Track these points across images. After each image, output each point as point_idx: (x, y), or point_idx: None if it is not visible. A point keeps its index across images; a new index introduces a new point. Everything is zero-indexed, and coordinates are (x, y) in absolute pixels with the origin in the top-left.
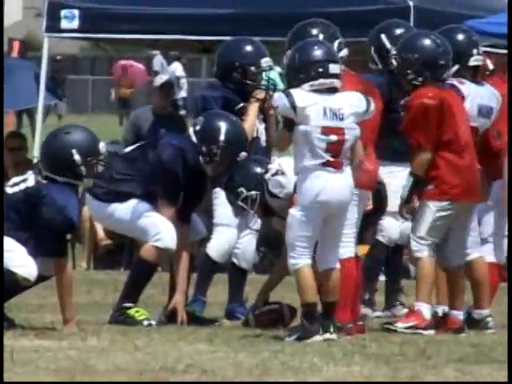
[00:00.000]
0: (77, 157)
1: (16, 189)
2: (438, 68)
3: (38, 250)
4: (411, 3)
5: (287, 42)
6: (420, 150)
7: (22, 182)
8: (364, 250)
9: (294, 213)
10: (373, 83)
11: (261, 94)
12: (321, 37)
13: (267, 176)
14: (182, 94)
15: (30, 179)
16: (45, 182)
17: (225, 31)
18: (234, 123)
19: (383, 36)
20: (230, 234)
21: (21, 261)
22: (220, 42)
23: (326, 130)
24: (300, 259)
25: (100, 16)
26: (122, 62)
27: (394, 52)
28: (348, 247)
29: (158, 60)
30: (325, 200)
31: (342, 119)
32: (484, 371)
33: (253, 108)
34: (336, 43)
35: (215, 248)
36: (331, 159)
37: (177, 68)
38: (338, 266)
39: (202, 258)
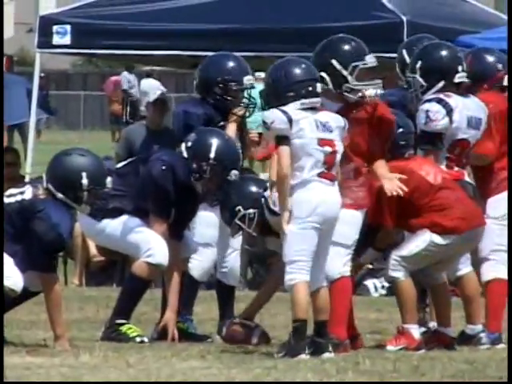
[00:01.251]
0: (85, 181)
1: (12, 199)
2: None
3: (26, 264)
4: (404, 18)
5: (315, 57)
6: None
7: (19, 194)
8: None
9: (292, 228)
10: (395, 97)
11: (241, 112)
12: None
13: (267, 193)
14: None
15: (27, 192)
16: (42, 196)
17: (217, 47)
18: (226, 141)
19: (404, 51)
20: (210, 254)
21: (7, 272)
22: None
23: (322, 142)
24: (298, 274)
25: (92, 31)
26: (114, 77)
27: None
28: (346, 266)
29: (125, 77)
30: (322, 212)
31: (331, 131)
32: None
33: (232, 126)
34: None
35: (196, 267)
36: (326, 171)
37: (150, 84)
38: (325, 284)
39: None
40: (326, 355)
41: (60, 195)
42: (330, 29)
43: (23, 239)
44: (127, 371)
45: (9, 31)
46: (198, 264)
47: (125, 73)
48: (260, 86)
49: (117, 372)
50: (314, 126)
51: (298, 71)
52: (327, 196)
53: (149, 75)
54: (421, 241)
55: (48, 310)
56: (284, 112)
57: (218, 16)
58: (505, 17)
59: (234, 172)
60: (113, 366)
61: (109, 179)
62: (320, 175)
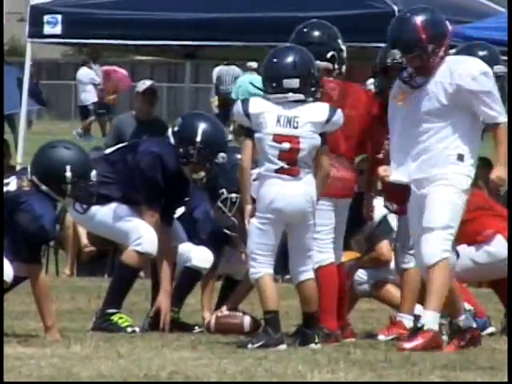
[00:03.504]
0: (68, 174)
1: None
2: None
3: (12, 255)
4: (396, 8)
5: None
6: None
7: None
8: (349, 256)
9: (253, 221)
10: None
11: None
12: (324, 38)
13: (221, 191)
14: (94, 98)
15: (11, 184)
16: (27, 188)
17: (208, 36)
18: (212, 124)
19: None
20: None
21: None
22: (203, 47)
23: (278, 138)
24: (261, 268)
25: (83, 21)
26: (105, 67)
27: None
28: (327, 253)
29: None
30: (278, 207)
31: (296, 127)
32: (469, 378)
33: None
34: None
35: (200, 257)
36: (286, 166)
37: (85, 73)
38: (311, 276)
39: (181, 273)
40: (312, 346)
41: (44, 187)
42: (322, 18)
43: (8, 231)
44: (118, 362)
45: None
46: (202, 254)
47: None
48: (252, 76)
49: (108, 362)
50: (274, 121)
51: (272, 65)
52: (286, 191)
53: (84, 63)
54: None
55: (36, 301)
56: (245, 105)
57: (209, 6)
58: (497, 7)
59: (222, 155)
60: (104, 357)
61: (93, 173)
62: (278, 171)
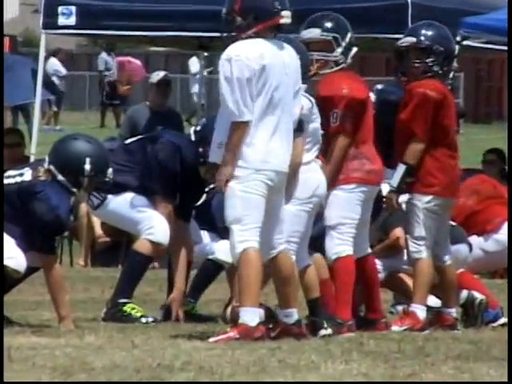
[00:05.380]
0: (87, 166)
1: (11, 180)
2: (452, 65)
3: (27, 245)
4: None
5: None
6: (415, 139)
7: (18, 176)
8: None
9: (289, 207)
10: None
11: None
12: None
13: None
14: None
15: (26, 174)
16: (42, 178)
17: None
18: None
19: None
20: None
21: (10, 253)
22: (217, 38)
23: None
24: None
25: (97, 12)
26: (120, 58)
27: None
28: (346, 245)
29: (102, 59)
30: (321, 194)
31: None
32: (482, 369)
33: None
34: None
35: (224, 249)
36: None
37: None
38: (310, 262)
39: (203, 264)
40: (322, 332)
41: (61, 177)
42: (335, 10)
43: (23, 221)
44: (132, 352)
45: (14, 12)
46: (226, 247)
47: (103, 54)
48: None
49: (121, 352)
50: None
51: None
52: (323, 177)
53: (55, 53)
54: (418, 212)
55: (50, 291)
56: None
57: None
58: None
59: None
60: (118, 347)
61: (110, 170)
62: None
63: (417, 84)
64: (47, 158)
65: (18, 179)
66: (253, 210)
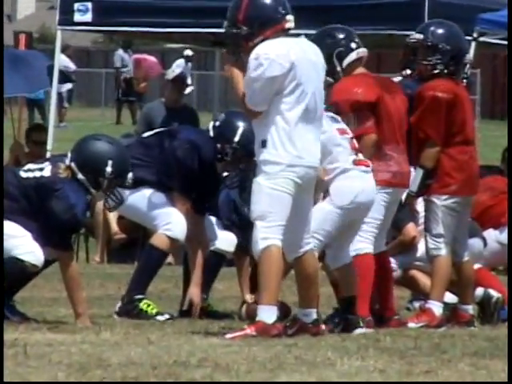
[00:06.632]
0: (109, 168)
1: (30, 174)
2: (462, 64)
3: (43, 240)
4: None
5: None
6: (430, 142)
7: (37, 170)
8: None
9: (326, 206)
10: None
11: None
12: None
13: None
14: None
15: (46, 169)
16: (62, 175)
17: None
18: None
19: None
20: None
21: (28, 247)
22: None
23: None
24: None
25: (113, 9)
26: (136, 55)
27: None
28: (366, 243)
29: (118, 56)
30: (361, 201)
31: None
32: (499, 366)
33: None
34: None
35: (224, 239)
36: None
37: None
38: (351, 260)
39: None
40: (359, 331)
41: (81, 176)
42: (352, 6)
43: (40, 216)
44: (148, 348)
45: (30, 8)
46: (225, 237)
47: (119, 51)
48: None
49: (138, 349)
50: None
51: None
52: (368, 184)
53: (64, 50)
54: (437, 209)
55: (67, 288)
56: None
57: None
58: None
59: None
60: (134, 343)
61: (130, 175)
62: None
63: (426, 86)
64: (69, 155)
65: (38, 174)
66: (278, 208)
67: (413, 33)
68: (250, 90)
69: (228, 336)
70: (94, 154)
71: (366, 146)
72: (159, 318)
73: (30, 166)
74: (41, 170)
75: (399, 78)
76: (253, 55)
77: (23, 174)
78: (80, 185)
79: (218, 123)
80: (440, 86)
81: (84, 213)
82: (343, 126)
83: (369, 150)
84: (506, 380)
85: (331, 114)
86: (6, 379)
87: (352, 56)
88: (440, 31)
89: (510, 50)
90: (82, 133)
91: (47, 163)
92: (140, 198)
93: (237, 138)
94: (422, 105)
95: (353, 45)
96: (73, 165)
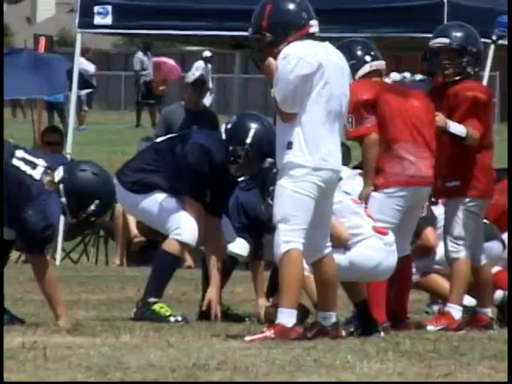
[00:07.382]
0: (92, 207)
1: (21, 165)
2: (481, 66)
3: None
4: None
5: None
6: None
7: (30, 164)
8: None
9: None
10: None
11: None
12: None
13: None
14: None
15: (37, 170)
16: (47, 187)
17: None
18: (265, 128)
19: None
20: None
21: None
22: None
23: None
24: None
25: (133, 12)
26: (155, 58)
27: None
28: None
29: (137, 59)
30: None
31: None
32: None
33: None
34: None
35: (237, 242)
36: None
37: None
38: None
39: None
40: (378, 335)
41: (63, 200)
42: (371, 9)
43: (16, 214)
44: (167, 351)
45: (50, 11)
46: (238, 241)
47: (139, 54)
48: None
49: (157, 352)
50: None
51: None
52: None
53: (83, 53)
54: (458, 211)
55: (43, 291)
56: None
57: None
58: None
59: (269, 160)
60: (153, 346)
61: (109, 212)
62: None
63: (463, 87)
64: (61, 173)
65: (28, 170)
66: (301, 211)
67: (431, 35)
68: (281, 92)
69: (247, 339)
70: (82, 189)
71: (367, 145)
72: (172, 319)
73: (26, 156)
74: (34, 167)
75: (398, 78)
76: (281, 56)
77: (15, 162)
78: (59, 198)
79: (229, 125)
80: (477, 88)
81: (56, 223)
82: (355, 198)
83: (372, 150)
84: (506, 380)
85: (343, 188)
86: (25, 381)
87: (365, 68)
88: (464, 33)
89: (510, 49)
90: (101, 136)
91: (42, 164)
92: (152, 203)
93: (249, 140)
94: (462, 106)
95: (367, 58)
96: (60, 187)
